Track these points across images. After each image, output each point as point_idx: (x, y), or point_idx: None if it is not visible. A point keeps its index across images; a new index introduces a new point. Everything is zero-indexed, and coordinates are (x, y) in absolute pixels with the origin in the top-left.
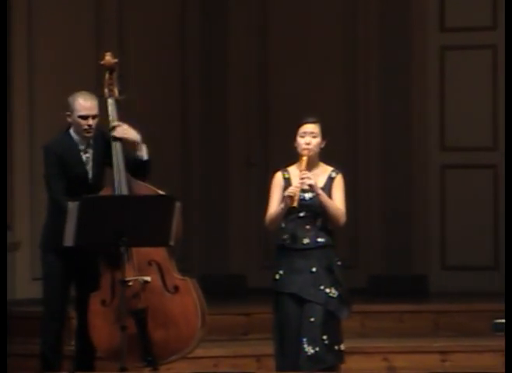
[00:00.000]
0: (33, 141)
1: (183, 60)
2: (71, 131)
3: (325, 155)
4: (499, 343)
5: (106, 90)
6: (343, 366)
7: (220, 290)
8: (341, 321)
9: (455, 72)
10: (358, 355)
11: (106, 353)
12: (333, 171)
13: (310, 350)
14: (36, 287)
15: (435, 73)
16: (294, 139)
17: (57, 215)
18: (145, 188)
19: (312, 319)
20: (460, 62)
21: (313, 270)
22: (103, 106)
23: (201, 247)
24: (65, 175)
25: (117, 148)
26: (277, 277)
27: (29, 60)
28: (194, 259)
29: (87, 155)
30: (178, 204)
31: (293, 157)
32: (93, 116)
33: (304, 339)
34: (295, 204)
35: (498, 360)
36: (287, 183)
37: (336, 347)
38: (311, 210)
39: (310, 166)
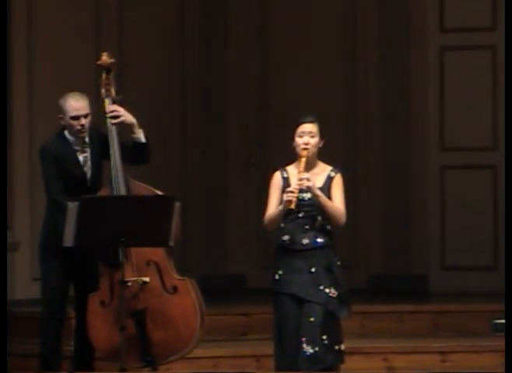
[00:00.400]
0: (32, 141)
1: (183, 60)
2: (66, 133)
3: (325, 155)
4: (499, 343)
5: (103, 90)
6: (343, 366)
7: (220, 290)
8: (341, 321)
9: (455, 73)
10: (357, 355)
11: (105, 354)
12: (332, 170)
13: (309, 349)
14: (35, 288)
15: (435, 73)
16: (293, 139)
17: (56, 215)
18: (142, 188)
19: (312, 319)
20: (459, 63)
21: (313, 270)
22: (100, 107)
23: (201, 247)
24: (63, 175)
25: (114, 147)
26: (276, 277)
27: (29, 60)
28: (194, 260)
29: (84, 154)
30: (178, 205)
31: (293, 157)
32: (85, 116)
33: (303, 339)
34: (292, 206)
35: (498, 361)
36: (286, 182)
37: (336, 347)
38: (310, 210)
39: (309, 166)
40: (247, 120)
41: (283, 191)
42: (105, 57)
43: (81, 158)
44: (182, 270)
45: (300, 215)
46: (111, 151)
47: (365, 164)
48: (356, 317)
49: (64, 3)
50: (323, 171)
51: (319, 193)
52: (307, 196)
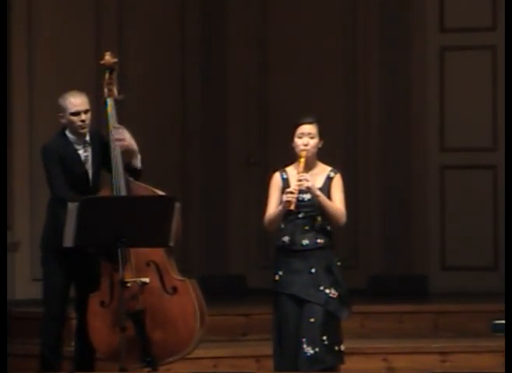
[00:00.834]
0: (32, 141)
1: (183, 60)
2: (67, 132)
3: (325, 156)
4: (499, 343)
5: (105, 90)
6: (343, 366)
7: (220, 290)
8: (341, 321)
9: (455, 73)
10: (357, 356)
11: (106, 354)
12: (331, 171)
13: (309, 350)
14: (35, 288)
15: (435, 74)
16: (292, 139)
17: (57, 216)
18: (143, 189)
19: (312, 320)
20: (460, 63)
21: (313, 270)
22: (102, 106)
23: (201, 247)
24: (66, 174)
25: (116, 149)
26: (277, 277)
27: (29, 60)
28: (194, 260)
29: (86, 153)
30: (178, 205)
31: (293, 157)
32: (85, 111)
33: (304, 340)
34: (292, 207)
35: (498, 361)
36: (285, 183)
37: (336, 348)
38: (310, 211)
39: (308, 167)
40: (247, 120)
41: (283, 192)
42: (108, 57)
43: (83, 156)
44: (182, 271)
45: (300, 216)
46: (112, 152)
47: (365, 164)
48: (356, 317)
49: (64, 3)
50: (322, 171)
51: (319, 193)
52: (307, 196)
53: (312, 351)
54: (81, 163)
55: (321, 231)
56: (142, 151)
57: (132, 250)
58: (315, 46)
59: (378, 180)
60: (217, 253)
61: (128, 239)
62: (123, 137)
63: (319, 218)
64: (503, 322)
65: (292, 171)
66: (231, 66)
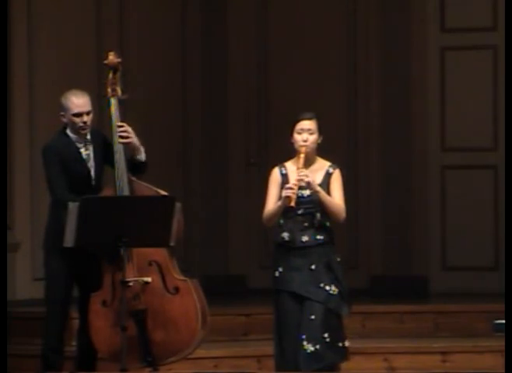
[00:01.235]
0: (33, 140)
1: (183, 60)
2: (68, 131)
3: (325, 156)
4: (500, 343)
5: (109, 89)
6: (343, 366)
7: (220, 290)
8: (343, 318)
9: (456, 73)
10: (358, 355)
11: (107, 354)
12: (330, 166)
13: (309, 347)
14: (36, 288)
15: (435, 73)
16: (291, 135)
17: (59, 215)
18: (146, 189)
19: (312, 317)
20: (460, 63)
21: (313, 267)
22: (105, 106)
23: (202, 247)
24: (68, 174)
25: (119, 148)
26: (276, 274)
27: (29, 60)
28: (195, 260)
29: (87, 152)
30: (178, 205)
31: (293, 154)
32: (87, 113)
33: (304, 337)
34: (292, 204)
35: (498, 361)
36: (284, 179)
37: (340, 344)
38: (309, 207)
39: (308, 162)
40: (248, 121)
41: (282, 187)
42: (112, 57)
43: (84, 155)
44: (182, 270)
45: (299, 212)
46: (116, 151)
47: (365, 164)
48: (357, 317)
49: (64, 3)
50: (321, 167)
51: (318, 188)
52: (306, 193)
53: (312, 348)
54: (83, 162)
55: (321, 228)
56: None
57: (134, 250)
58: (315, 46)
59: (379, 180)
60: (218, 253)
61: (129, 239)
62: (128, 134)
63: (318, 215)
64: (504, 322)
65: (291, 166)
66: (231, 66)
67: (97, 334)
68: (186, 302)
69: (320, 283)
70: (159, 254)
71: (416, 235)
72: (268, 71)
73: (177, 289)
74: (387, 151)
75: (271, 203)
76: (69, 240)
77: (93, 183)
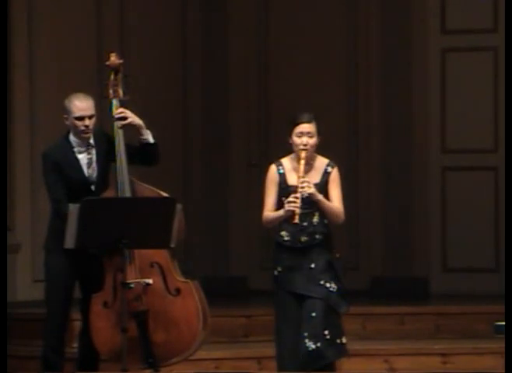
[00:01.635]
0: (33, 142)
1: (183, 60)
2: (70, 135)
3: (325, 156)
4: (500, 345)
5: (110, 91)
6: (344, 367)
7: (221, 292)
8: (342, 315)
9: (456, 74)
10: (359, 357)
11: (108, 355)
12: (328, 165)
13: (311, 345)
14: (36, 289)
15: (436, 75)
16: (289, 135)
17: (58, 221)
18: (148, 190)
19: (313, 314)
20: (461, 64)
21: (312, 266)
22: (106, 107)
23: (202, 249)
24: (65, 180)
25: (121, 149)
26: (276, 273)
27: (29, 60)
28: (195, 261)
29: (89, 156)
30: (179, 206)
31: (291, 153)
32: (89, 117)
33: (305, 334)
34: (296, 221)
35: (498, 363)
36: (282, 178)
37: (338, 341)
38: (308, 207)
39: (307, 164)
40: (248, 122)
41: (280, 187)
42: (113, 58)
43: (85, 160)
44: (183, 272)
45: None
46: (117, 153)
47: (366, 166)
48: (357, 319)
49: (64, 3)
50: (319, 165)
51: (320, 197)
52: (304, 194)
53: (314, 346)
54: (80, 169)
55: (319, 227)
56: None
57: (136, 251)
58: (315, 46)
59: (379, 182)
60: (218, 254)
61: (129, 241)
62: (126, 115)
63: (317, 214)
64: (504, 323)
65: (288, 164)
66: (231, 66)
67: (98, 335)
68: (187, 304)
69: (320, 280)
70: (161, 255)
71: (417, 236)
72: (268, 71)
73: (178, 291)
74: (387, 153)
75: (270, 205)
76: (70, 242)
77: (93, 188)
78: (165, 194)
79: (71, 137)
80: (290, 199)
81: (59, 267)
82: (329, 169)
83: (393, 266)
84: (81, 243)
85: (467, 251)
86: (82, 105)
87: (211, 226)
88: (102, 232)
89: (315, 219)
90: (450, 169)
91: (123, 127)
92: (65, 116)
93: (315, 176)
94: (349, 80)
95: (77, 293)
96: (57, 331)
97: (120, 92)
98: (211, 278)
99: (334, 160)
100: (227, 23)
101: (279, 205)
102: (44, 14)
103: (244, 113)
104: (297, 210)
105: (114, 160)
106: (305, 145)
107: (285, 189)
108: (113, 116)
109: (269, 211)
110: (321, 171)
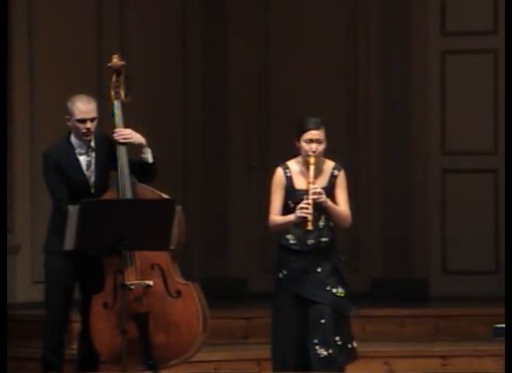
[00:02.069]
0: (33, 143)
1: (183, 60)
2: (72, 136)
3: (325, 156)
4: (500, 347)
5: (112, 92)
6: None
7: (221, 293)
8: (350, 318)
9: (456, 76)
10: (359, 359)
11: (108, 357)
12: (334, 168)
13: (322, 352)
14: (36, 291)
15: (436, 77)
16: (297, 140)
17: (61, 222)
18: (149, 192)
19: (322, 321)
20: (461, 66)
21: (319, 270)
22: (109, 109)
23: (202, 251)
24: (66, 181)
25: (121, 152)
26: (280, 276)
27: (29, 60)
28: (195, 263)
29: (89, 158)
30: (179, 208)
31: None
32: (91, 120)
33: (315, 341)
34: (310, 228)
35: (498, 365)
36: (289, 182)
37: (349, 346)
38: (314, 211)
39: (315, 169)
40: (249, 123)
41: (287, 190)
42: (116, 60)
43: (84, 162)
44: (183, 274)
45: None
46: (118, 155)
47: (366, 167)
48: (357, 321)
49: (64, 3)
50: (326, 169)
51: (330, 203)
52: None
53: (325, 353)
54: (81, 170)
55: (325, 230)
56: None
57: (137, 253)
58: (315, 47)
59: (379, 184)
60: (218, 256)
61: (129, 242)
62: (125, 135)
63: (323, 217)
64: (504, 326)
65: (295, 167)
66: (232, 66)
67: (98, 336)
68: (188, 306)
69: (327, 285)
70: (162, 257)
71: (417, 238)
72: (268, 71)
73: (178, 293)
74: (387, 155)
75: (277, 208)
76: (69, 243)
77: (93, 190)
78: (166, 196)
79: (73, 139)
80: (302, 205)
81: (59, 269)
82: (336, 173)
83: (393, 268)
84: (80, 245)
85: (467, 253)
86: (84, 107)
87: (211, 228)
88: (101, 234)
89: (321, 222)
90: (450, 171)
91: (125, 144)
92: (67, 117)
93: (323, 180)
94: (349, 80)
95: (77, 294)
96: (57, 332)
97: (123, 93)
98: (210, 280)
99: (334, 159)
100: (227, 23)
101: (285, 208)
102: (44, 14)
103: (244, 113)
104: (310, 217)
105: (115, 168)
106: (314, 152)
107: (292, 193)
108: (114, 118)
109: (276, 215)
110: (328, 174)
